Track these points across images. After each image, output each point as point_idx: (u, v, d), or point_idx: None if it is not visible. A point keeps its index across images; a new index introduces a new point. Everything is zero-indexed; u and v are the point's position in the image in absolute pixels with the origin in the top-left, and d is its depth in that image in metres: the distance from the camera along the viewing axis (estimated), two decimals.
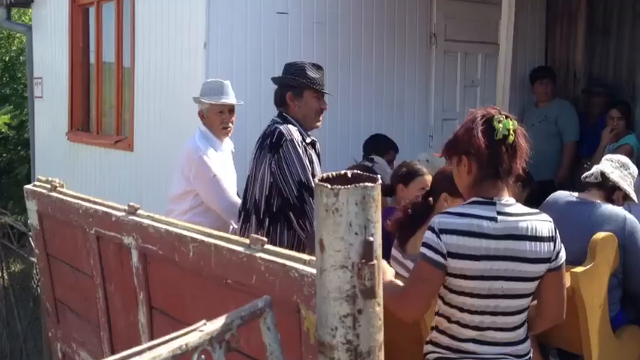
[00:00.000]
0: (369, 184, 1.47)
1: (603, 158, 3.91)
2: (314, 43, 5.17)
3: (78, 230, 2.49)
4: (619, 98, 5.93)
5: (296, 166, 3.25)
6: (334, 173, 1.58)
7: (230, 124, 3.88)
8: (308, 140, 3.37)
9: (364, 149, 4.97)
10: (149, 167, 5.65)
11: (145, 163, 5.76)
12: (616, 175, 3.72)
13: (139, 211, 2.22)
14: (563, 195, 3.86)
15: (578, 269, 3.36)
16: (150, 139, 5.69)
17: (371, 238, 1.43)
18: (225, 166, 3.91)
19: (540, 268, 2.20)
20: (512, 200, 2.22)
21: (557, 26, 6.49)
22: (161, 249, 2.07)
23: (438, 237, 2.16)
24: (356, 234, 1.43)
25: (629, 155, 5.32)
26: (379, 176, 1.55)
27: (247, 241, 1.83)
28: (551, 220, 2.22)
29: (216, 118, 3.83)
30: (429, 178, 3.79)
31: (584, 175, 3.81)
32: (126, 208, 2.26)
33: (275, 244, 3.28)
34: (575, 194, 3.79)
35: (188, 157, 3.80)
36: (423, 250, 2.19)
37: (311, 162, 3.33)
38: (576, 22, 6.24)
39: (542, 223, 2.19)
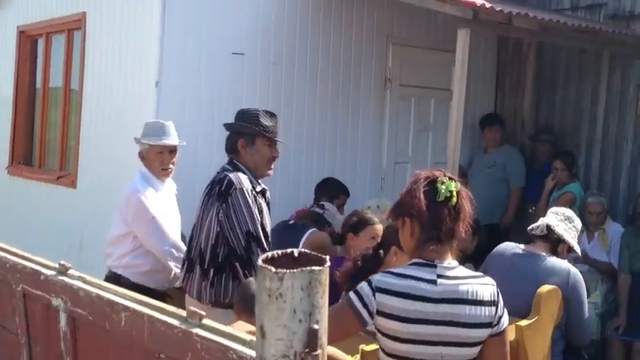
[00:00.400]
0: (317, 268, 1.41)
1: (549, 211, 3.97)
2: (270, 84, 5.14)
3: (4, 285, 2.33)
4: (564, 148, 6.07)
5: (244, 216, 3.18)
6: (279, 252, 1.52)
7: (170, 165, 3.81)
8: (258, 189, 3.31)
9: (315, 193, 4.93)
10: (92, 206, 5.47)
11: (88, 201, 5.57)
12: (561, 228, 3.79)
13: (69, 271, 2.09)
14: (509, 247, 3.90)
15: (523, 322, 3.38)
16: (95, 177, 5.52)
17: (316, 326, 1.36)
18: (167, 207, 3.82)
19: (481, 333, 2.13)
20: (454, 263, 2.17)
21: (507, 75, 6.63)
22: (91, 314, 1.95)
23: (373, 294, 2.12)
24: (300, 321, 1.35)
25: (571, 203, 5.48)
26: (328, 257, 1.50)
27: (184, 314, 1.74)
28: (494, 283, 2.16)
29: (156, 159, 3.76)
30: (379, 227, 3.77)
31: (530, 227, 3.88)
32: (56, 266, 2.14)
33: (219, 295, 3.23)
34: (522, 246, 3.84)
35: (126, 198, 3.73)
36: (353, 297, 2.14)
37: (260, 211, 3.26)
38: (525, 71, 6.38)
39: (484, 286, 2.12)
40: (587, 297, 3.76)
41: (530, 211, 6.04)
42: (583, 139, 6.09)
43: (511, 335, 3.40)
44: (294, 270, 1.39)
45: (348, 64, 5.59)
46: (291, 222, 4.32)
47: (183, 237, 3.84)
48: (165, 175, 3.80)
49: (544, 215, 5.35)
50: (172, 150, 3.81)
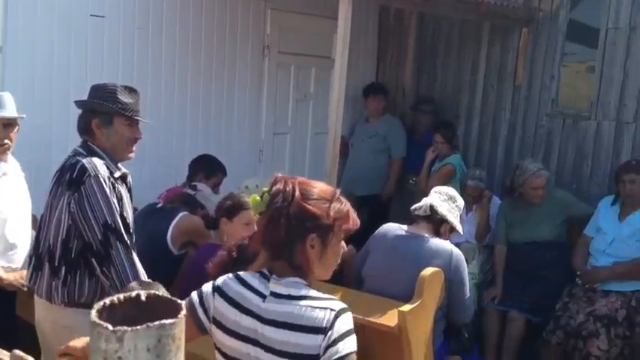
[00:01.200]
0: (168, 322, 1.11)
1: (432, 190, 3.93)
2: (134, 52, 4.65)
3: None
4: (444, 118, 6.05)
5: (101, 206, 2.78)
6: (121, 297, 1.21)
7: (6, 141, 3.38)
8: (117, 174, 2.91)
9: (190, 171, 4.59)
10: None
11: None
12: (444, 209, 3.78)
13: None
14: (392, 228, 3.84)
15: (406, 308, 3.32)
16: None
17: None
18: (6, 191, 3.38)
19: None
20: (295, 280, 1.84)
21: (389, 44, 6.51)
22: None
23: (213, 295, 1.86)
24: None
25: (451, 174, 5.50)
26: (183, 302, 1.21)
27: (8, 357, 1.41)
28: (336, 308, 1.78)
29: None
30: None
31: (413, 208, 3.83)
32: None
33: (73, 294, 2.82)
34: (405, 227, 3.80)
35: None
36: (194, 297, 1.89)
37: (120, 200, 2.87)
38: (406, 41, 6.28)
39: (316, 311, 1.78)
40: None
41: (411, 181, 6.05)
42: (462, 110, 6.09)
43: (393, 321, 3.32)
44: (138, 327, 1.09)
45: (222, 30, 5.19)
46: (159, 205, 3.96)
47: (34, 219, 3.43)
48: (1, 152, 3.37)
49: (425, 186, 5.40)
50: (7, 123, 3.38)
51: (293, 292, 1.82)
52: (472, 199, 5.01)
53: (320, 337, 1.76)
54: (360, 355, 3.37)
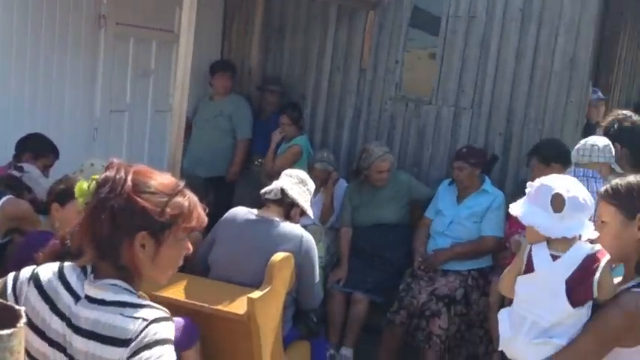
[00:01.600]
0: (4, 333, 0.90)
1: (283, 173, 3.86)
2: None
3: None
4: (291, 99, 5.98)
5: None
6: None
7: None
8: None
9: (16, 151, 4.14)
10: None
11: None
12: (295, 192, 3.74)
13: None
14: (241, 212, 3.74)
15: (255, 295, 3.25)
16: None
17: None
18: None
19: None
20: (113, 282, 1.60)
21: (235, 22, 6.31)
22: None
23: (28, 283, 1.62)
24: None
25: (297, 155, 5.50)
26: (23, 308, 0.99)
27: None
28: (150, 318, 1.55)
29: None
30: None
31: (263, 191, 3.76)
32: None
33: None
34: (255, 211, 3.71)
35: None
36: (9, 278, 1.66)
37: None
38: (253, 19, 6.11)
39: (128, 321, 1.53)
40: None
41: (257, 163, 5.94)
42: (309, 91, 6.04)
43: (242, 308, 3.21)
44: None
45: None
46: None
47: None
48: None
49: (271, 168, 5.32)
50: None
51: (108, 296, 1.57)
52: (319, 181, 5.00)
53: (123, 349, 1.50)
54: (208, 345, 3.21)
